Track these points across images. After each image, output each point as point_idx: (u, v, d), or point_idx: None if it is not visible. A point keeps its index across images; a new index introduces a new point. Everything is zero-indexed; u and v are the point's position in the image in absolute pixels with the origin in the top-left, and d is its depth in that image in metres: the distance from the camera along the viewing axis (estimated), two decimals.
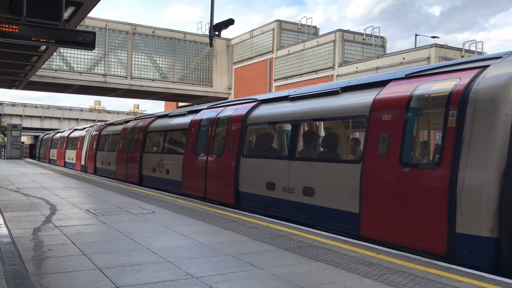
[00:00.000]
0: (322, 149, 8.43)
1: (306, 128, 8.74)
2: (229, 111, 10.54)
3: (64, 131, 33.48)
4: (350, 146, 8.56)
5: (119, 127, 18.60)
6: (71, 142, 27.77)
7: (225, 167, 9.90)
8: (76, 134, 27.44)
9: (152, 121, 15.47)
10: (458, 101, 5.34)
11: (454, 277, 4.35)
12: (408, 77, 6.48)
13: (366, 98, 6.82)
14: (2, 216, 7.52)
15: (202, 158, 10.96)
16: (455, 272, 4.54)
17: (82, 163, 23.63)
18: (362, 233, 6.28)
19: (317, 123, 8.87)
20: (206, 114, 11.63)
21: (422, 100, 5.99)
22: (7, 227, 6.55)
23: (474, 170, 5.04)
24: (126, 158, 16.46)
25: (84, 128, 26.36)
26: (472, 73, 5.53)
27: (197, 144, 11.34)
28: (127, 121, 18.51)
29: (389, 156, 6.00)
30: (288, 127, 8.90)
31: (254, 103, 9.89)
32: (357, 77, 8.36)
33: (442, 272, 4.50)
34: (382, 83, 6.84)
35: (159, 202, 9.66)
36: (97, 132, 21.59)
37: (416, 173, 5.68)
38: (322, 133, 9.07)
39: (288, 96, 8.99)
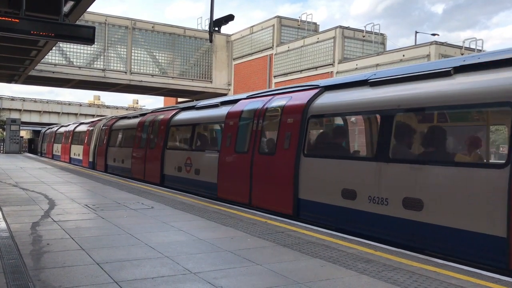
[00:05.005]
0: (440, 148, 6.51)
1: (405, 121, 7.00)
2: (281, 101, 8.91)
3: (69, 124, 31.71)
4: (484, 144, 6.80)
5: (135, 121, 16.94)
6: (77, 137, 25.93)
7: (278, 168, 8.31)
8: (82, 128, 25.29)
9: (176, 113, 13.90)
10: None
11: (451, 274, 4.37)
12: None
13: (505, 78, 5.17)
14: (1, 210, 7.52)
15: (245, 156, 9.35)
16: (452, 269, 4.55)
17: (90, 159, 21.85)
18: None
19: (423, 113, 6.72)
20: (248, 104, 9.98)
21: None
22: (6, 221, 6.55)
23: None
24: (144, 155, 14.84)
25: (92, 122, 24.63)
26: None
27: (238, 140, 9.78)
28: (143, 114, 17.07)
29: None
30: (372, 119, 7.60)
31: (316, 90, 8.26)
32: (475, 54, 6.51)
33: (440, 269, 4.52)
34: None
35: (158, 198, 9.66)
36: (108, 126, 19.85)
37: None
38: (434, 126, 6.97)
39: (367, 80, 7.35)
